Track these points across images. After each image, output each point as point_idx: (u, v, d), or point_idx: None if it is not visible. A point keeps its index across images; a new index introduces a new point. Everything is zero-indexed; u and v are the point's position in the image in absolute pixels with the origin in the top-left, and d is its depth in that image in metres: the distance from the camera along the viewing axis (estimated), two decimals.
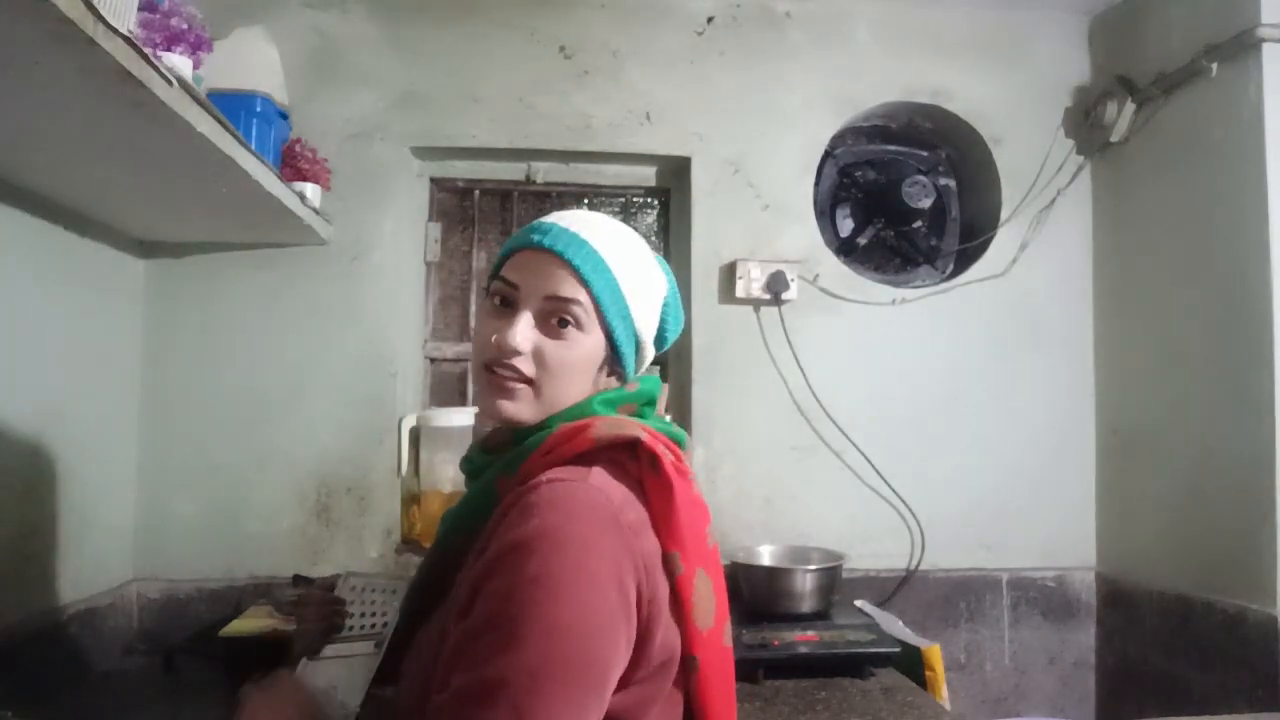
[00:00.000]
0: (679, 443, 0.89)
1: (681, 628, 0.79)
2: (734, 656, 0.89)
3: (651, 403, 0.93)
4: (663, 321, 0.95)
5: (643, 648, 0.75)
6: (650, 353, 0.95)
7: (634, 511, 0.78)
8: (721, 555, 1.90)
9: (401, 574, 1.87)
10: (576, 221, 0.88)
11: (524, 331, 0.83)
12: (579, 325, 0.84)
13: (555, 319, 0.84)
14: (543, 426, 0.85)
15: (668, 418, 2.12)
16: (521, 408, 0.85)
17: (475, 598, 0.72)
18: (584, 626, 0.69)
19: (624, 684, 0.74)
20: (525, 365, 0.84)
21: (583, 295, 0.84)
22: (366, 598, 1.09)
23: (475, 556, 0.76)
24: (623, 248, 0.88)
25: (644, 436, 0.81)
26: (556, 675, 0.67)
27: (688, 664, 0.80)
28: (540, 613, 0.68)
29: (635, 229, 2.18)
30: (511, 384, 0.84)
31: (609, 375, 0.91)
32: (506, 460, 0.85)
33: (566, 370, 0.84)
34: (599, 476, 0.78)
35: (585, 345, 0.85)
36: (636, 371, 0.93)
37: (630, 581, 0.74)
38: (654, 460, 0.80)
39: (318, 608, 1.03)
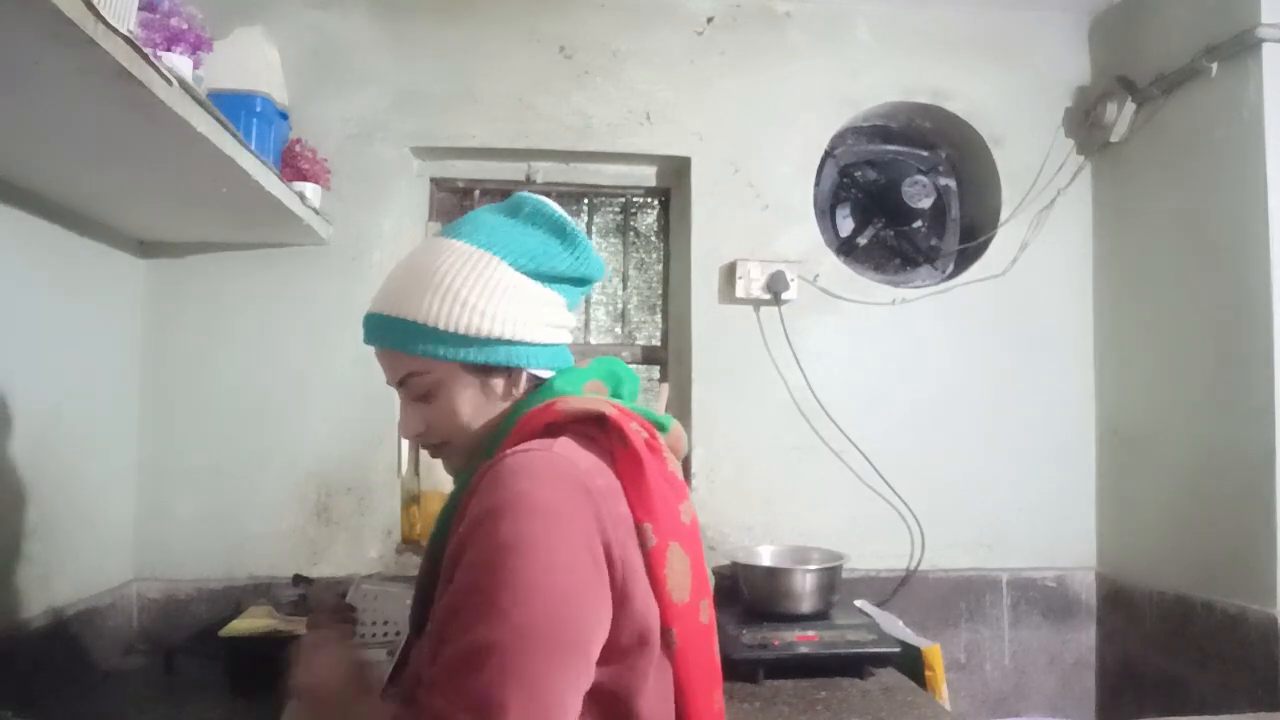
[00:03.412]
0: (658, 425, 0.90)
1: (657, 600, 0.79)
2: (718, 637, 0.90)
3: (620, 383, 0.94)
4: (527, 265, 0.88)
5: (622, 609, 0.75)
6: (529, 310, 0.88)
7: (603, 479, 0.79)
8: (722, 555, 1.89)
9: (409, 577, 1.87)
10: (378, 292, 0.91)
11: (409, 420, 0.91)
12: (434, 386, 0.88)
13: (413, 397, 0.90)
14: (512, 413, 0.88)
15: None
16: (452, 464, 0.94)
17: (454, 572, 0.73)
18: (560, 587, 0.71)
19: (612, 656, 0.75)
20: (431, 438, 0.92)
21: (408, 363, 0.88)
22: (379, 605, 1.09)
23: (453, 532, 0.78)
24: (396, 282, 0.89)
25: (611, 411, 0.82)
26: (540, 634, 0.69)
27: (666, 637, 0.80)
28: (516, 577, 0.70)
29: (635, 229, 2.22)
30: (437, 453, 0.94)
31: (519, 383, 0.90)
32: (484, 449, 0.88)
33: (457, 423, 0.89)
34: (565, 445, 0.80)
35: (452, 392, 0.88)
36: (536, 335, 0.89)
37: (599, 543, 0.75)
38: (622, 434, 0.81)
39: (330, 615, 1.04)
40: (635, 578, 0.77)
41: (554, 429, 0.82)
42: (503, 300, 0.86)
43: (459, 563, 0.73)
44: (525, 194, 0.94)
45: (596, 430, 0.83)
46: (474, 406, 0.89)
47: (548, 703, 0.68)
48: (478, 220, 0.92)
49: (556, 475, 0.76)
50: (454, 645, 0.69)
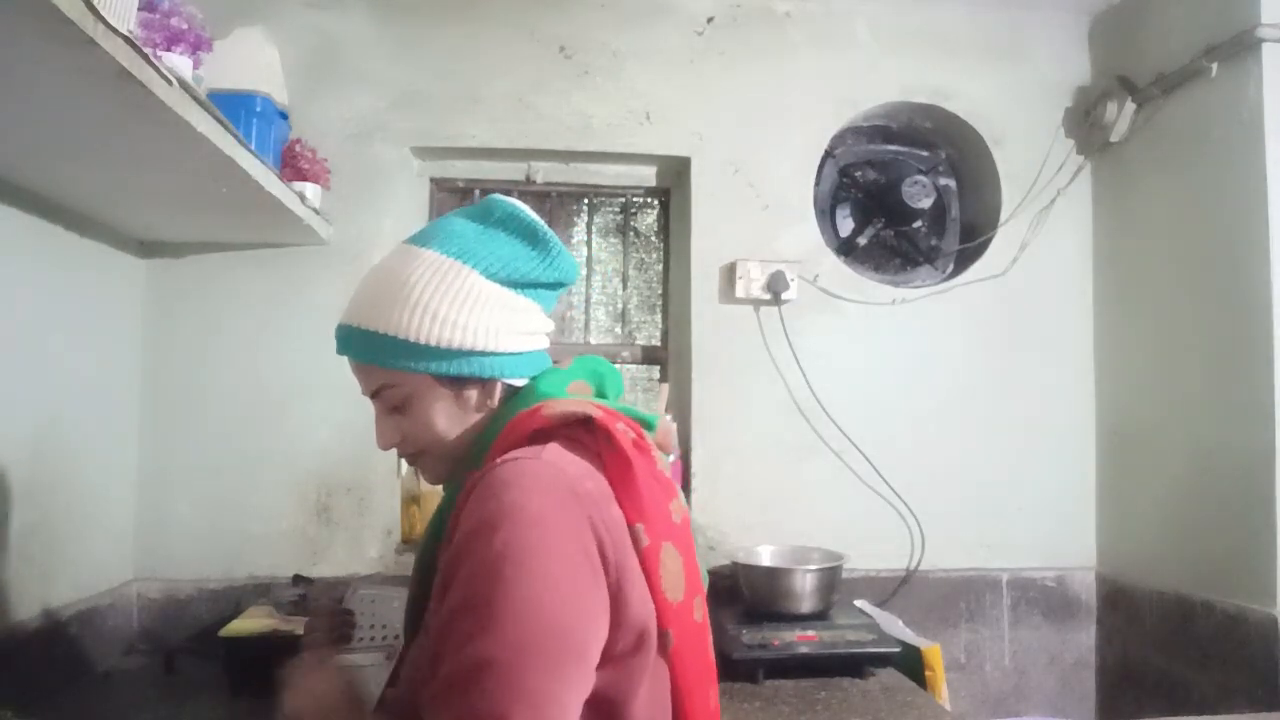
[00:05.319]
0: (645, 424, 0.89)
1: (653, 600, 0.79)
2: (717, 637, 0.89)
3: (603, 381, 0.94)
4: (499, 273, 0.88)
5: (619, 613, 0.75)
6: (502, 319, 0.87)
7: (592, 482, 0.78)
8: (722, 555, 1.89)
9: (409, 578, 1.86)
10: (349, 303, 0.91)
11: (385, 431, 0.91)
12: (408, 398, 0.88)
13: (388, 408, 0.89)
14: (496, 420, 0.87)
15: (668, 417, 2.12)
16: (432, 474, 0.93)
17: (449, 585, 0.73)
18: (556, 597, 0.70)
19: (608, 660, 0.75)
20: (408, 448, 0.91)
21: (381, 376, 0.88)
22: (377, 609, 1.09)
23: (446, 544, 0.77)
24: (367, 293, 0.89)
25: (597, 413, 0.82)
26: (536, 647, 0.68)
27: (663, 639, 0.80)
28: (511, 590, 0.69)
29: (635, 229, 2.22)
30: (414, 462, 0.93)
31: (494, 393, 0.89)
32: (471, 457, 0.87)
33: (433, 434, 0.88)
34: (553, 452, 0.79)
35: (426, 403, 0.87)
36: (511, 344, 0.88)
37: (594, 549, 0.74)
38: (609, 435, 0.81)
39: (328, 619, 1.04)
40: (630, 580, 0.77)
41: (541, 435, 0.81)
42: (475, 311, 0.86)
43: (454, 577, 0.73)
44: (497, 197, 0.93)
45: (583, 433, 0.82)
46: (449, 417, 0.88)
47: (550, 715, 0.67)
48: (449, 228, 0.91)
49: (547, 483, 0.75)
50: (452, 661, 0.69)
